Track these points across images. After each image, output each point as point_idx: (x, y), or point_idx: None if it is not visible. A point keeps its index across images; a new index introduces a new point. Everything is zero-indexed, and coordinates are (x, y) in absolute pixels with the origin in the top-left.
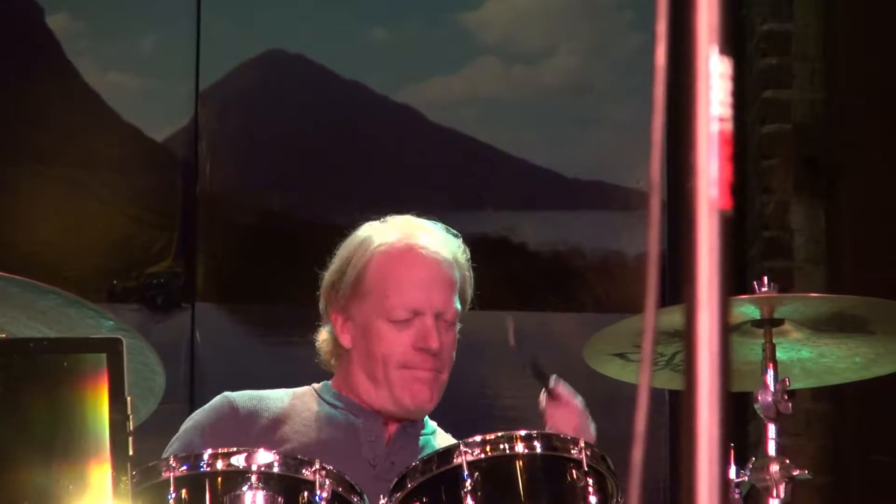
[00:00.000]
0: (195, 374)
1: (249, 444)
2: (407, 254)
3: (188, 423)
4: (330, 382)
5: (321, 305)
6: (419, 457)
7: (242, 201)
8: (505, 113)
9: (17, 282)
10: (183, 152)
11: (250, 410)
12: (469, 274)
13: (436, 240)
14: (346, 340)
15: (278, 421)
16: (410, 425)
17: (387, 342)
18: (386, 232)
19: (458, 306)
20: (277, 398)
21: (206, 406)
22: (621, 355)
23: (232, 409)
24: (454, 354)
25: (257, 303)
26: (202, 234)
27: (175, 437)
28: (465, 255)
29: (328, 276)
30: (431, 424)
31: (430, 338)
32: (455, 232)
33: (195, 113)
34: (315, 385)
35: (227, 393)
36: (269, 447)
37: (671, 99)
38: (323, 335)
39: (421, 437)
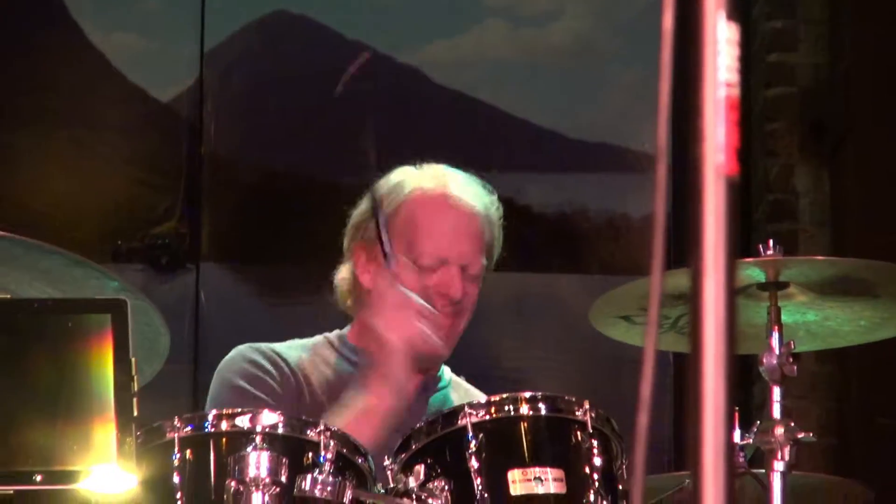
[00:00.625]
0: (199, 335)
1: (280, 396)
2: (440, 201)
3: (222, 381)
4: (346, 334)
5: (345, 242)
6: (423, 418)
7: (247, 162)
8: (511, 75)
9: (21, 242)
10: (188, 113)
11: (270, 365)
12: (499, 232)
13: (470, 192)
14: (367, 281)
15: (296, 380)
16: (427, 381)
17: (409, 284)
18: (420, 178)
19: (484, 262)
20: (291, 353)
21: (234, 355)
22: (626, 318)
23: (265, 356)
24: (473, 308)
25: (262, 263)
26: (207, 195)
27: (211, 397)
28: (498, 212)
29: (356, 216)
30: (447, 376)
31: (452, 287)
32: (490, 188)
33: (200, 73)
34: (329, 335)
35: (245, 346)
36: (291, 405)
37: (678, 64)
38: (343, 273)
39: (439, 394)
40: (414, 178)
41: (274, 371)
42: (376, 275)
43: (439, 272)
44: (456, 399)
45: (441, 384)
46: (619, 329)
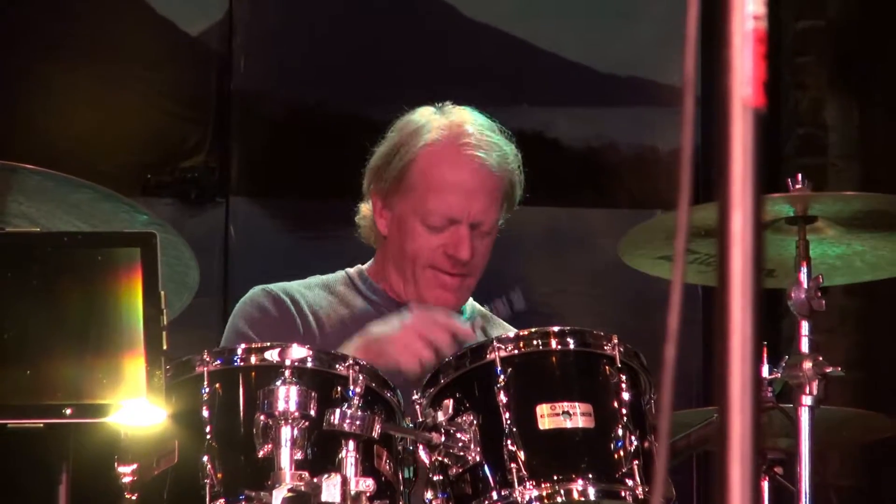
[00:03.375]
0: (229, 269)
1: (293, 338)
2: (454, 156)
3: (235, 322)
4: (366, 269)
5: (364, 184)
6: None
7: (276, 96)
8: (540, 8)
9: (51, 176)
10: (217, 46)
11: (287, 305)
12: (519, 178)
13: (487, 143)
14: (382, 226)
15: (313, 319)
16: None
17: (419, 242)
18: (439, 126)
19: (499, 215)
20: (309, 293)
21: (246, 301)
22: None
23: (274, 303)
24: (486, 261)
25: (291, 197)
26: (236, 129)
27: (224, 338)
28: (517, 160)
29: (375, 158)
30: (470, 308)
31: (461, 247)
32: (510, 133)
33: (230, 7)
34: (349, 270)
35: (262, 287)
36: (311, 343)
37: None
38: (364, 210)
39: None
40: (431, 127)
41: (277, 314)
42: (390, 223)
43: (448, 231)
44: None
45: (464, 318)
46: (648, 263)
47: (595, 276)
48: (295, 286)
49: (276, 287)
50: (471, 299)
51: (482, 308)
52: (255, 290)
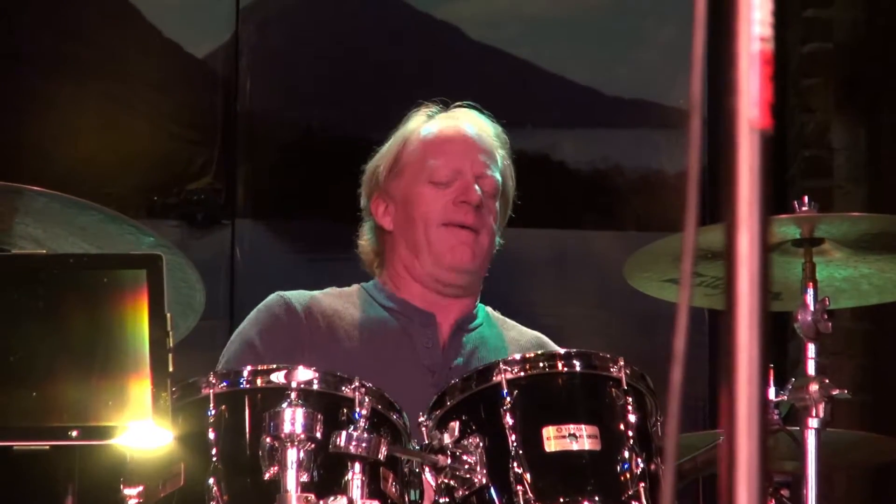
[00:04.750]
0: (235, 290)
1: (306, 345)
2: (451, 129)
3: (245, 326)
4: (378, 280)
5: (363, 201)
6: (461, 375)
7: (282, 118)
8: (546, 31)
9: (58, 198)
10: (223, 69)
11: (305, 310)
12: (510, 164)
13: (481, 122)
14: (387, 223)
15: (331, 323)
16: (462, 320)
17: (428, 203)
18: (427, 120)
19: (498, 181)
20: (327, 299)
21: (262, 306)
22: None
23: (288, 309)
24: (493, 231)
25: (297, 219)
26: (242, 151)
27: (230, 340)
28: (507, 151)
29: (368, 168)
30: (483, 312)
31: (469, 191)
32: (505, 137)
33: (236, 29)
34: (365, 284)
35: (280, 293)
36: (323, 351)
37: (713, 18)
38: (364, 234)
39: (475, 333)
40: (419, 121)
41: (287, 322)
42: (396, 212)
43: (455, 185)
44: (490, 335)
45: (476, 322)
46: (654, 285)
47: (601, 299)
48: (314, 293)
49: (292, 295)
50: (486, 307)
51: (496, 312)
52: (272, 297)
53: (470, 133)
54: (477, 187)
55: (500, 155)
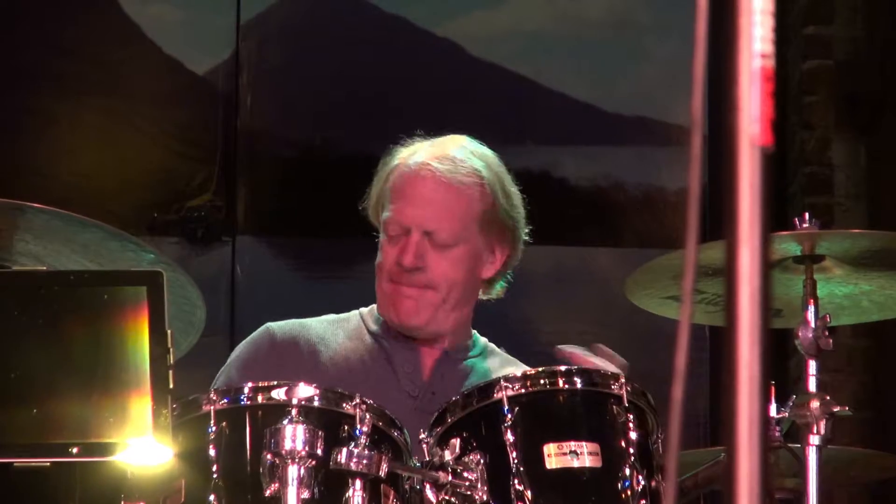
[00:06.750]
0: (235, 308)
1: (285, 376)
2: (417, 172)
3: (231, 357)
4: (376, 308)
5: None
6: (462, 389)
7: (283, 135)
8: (547, 47)
9: (59, 215)
10: (224, 85)
11: (289, 340)
12: (509, 202)
13: (452, 158)
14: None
15: (315, 351)
16: (453, 351)
17: (382, 256)
18: (418, 149)
19: (461, 228)
20: (319, 326)
21: (248, 339)
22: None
23: (270, 341)
24: (458, 278)
25: (297, 236)
26: (242, 168)
27: (220, 370)
28: (500, 185)
29: (372, 194)
30: (481, 343)
31: (405, 254)
32: (499, 162)
33: (236, 46)
34: (363, 309)
35: (269, 324)
36: (306, 377)
37: (713, 35)
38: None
39: (467, 362)
40: (410, 150)
41: (267, 354)
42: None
43: (402, 240)
44: (481, 367)
45: (472, 353)
46: (655, 302)
47: (602, 316)
48: (305, 321)
49: (278, 326)
50: (482, 338)
51: (492, 345)
52: (260, 329)
53: (429, 180)
54: (420, 248)
55: (476, 203)
